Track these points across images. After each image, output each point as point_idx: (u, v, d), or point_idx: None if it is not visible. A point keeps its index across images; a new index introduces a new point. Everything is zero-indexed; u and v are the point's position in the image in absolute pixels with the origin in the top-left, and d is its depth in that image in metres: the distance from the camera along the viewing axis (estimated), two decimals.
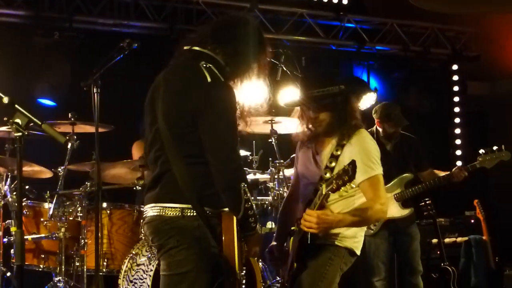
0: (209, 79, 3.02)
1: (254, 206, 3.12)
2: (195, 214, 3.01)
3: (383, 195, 3.58)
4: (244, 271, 3.34)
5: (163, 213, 3.05)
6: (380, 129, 5.82)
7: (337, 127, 3.64)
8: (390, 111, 5.83)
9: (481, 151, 5.66)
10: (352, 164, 3.18)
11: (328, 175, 3.51)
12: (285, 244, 3.84)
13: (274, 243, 3.92)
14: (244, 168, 5.87)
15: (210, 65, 3.07)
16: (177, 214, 3.02)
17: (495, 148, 5.62)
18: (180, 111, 3.04)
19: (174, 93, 3.09)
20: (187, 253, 3.01)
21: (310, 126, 3.73)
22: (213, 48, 3.16)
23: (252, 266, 5.00)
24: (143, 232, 5.05)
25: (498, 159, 5.63)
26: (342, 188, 3.21)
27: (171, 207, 3.04)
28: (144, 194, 3.24)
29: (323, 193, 3.30)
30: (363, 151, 3.52)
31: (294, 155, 4.04)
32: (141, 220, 5.37)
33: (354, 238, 3.68)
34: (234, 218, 3.06)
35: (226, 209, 3.07)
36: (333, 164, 3.57)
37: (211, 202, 3.05)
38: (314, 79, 3.85)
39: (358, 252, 3.73)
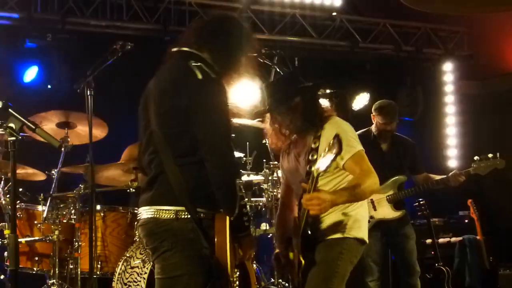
0: (199, 76, 3.02)
1: (248, 206, 3.12)
2: (188, 216, 3.00)
3: (371, 168, 3.63)
4: (237, 273, 3.33)
5: (157, 216, 3.04)
6: (374, 128, 5.83)
7: (310, 121, 3.71)
8: (383, 105, 5.86)
9: (476, 157, 5.60)
10: (336, 137, 3.29)
11: (313, 168, 3.55)
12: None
13: (277, 250, 3.93)
14: None
15: (200, 64, 3.08)
16: (171, 216, 3.01)
17: (490, 155, 5.56)
18: (172, 110, 3.03)
19: (165, 93, 3.09)
20: (180, 256, 3.00)
21: (283, 130, 3.80)
22: (199, 48, 3.17)
23: (247, 268, 4.99)
24: (137, 234, 5.04)
25: (493, 166, 5.57)
26: (332, 163, 3.30)
27: (165, 210, 3.02)
28: (140, 196, 3.23)
29: (315, 175, 3.37)
30: (339, 132, 3.51)
31: None
32: (135, 222, 5.39)
33: (360, 227, 3.74)
34: (227, 219, 3.05)
35: (221, 211, 3.06)
36: (315, 156, 3.63)
37: (204, 203, 3.03)
38: (278, 84, 4.02)
39: (367, 240, 3.79)
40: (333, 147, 3.29)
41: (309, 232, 3.59)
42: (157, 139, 3.07)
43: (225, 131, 3.05)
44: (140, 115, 3.24)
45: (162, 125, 3.06)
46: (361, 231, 3.75)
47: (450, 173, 5.66)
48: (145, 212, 3.11)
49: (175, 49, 3.24)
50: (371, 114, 5.88)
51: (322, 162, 3.34)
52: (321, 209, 3.36)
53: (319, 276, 3.60)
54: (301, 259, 3.61)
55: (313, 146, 3.67)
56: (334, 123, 3.70)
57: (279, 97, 3.77)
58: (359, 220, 3.74)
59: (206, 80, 3.03)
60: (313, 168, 3.42)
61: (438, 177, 5.77)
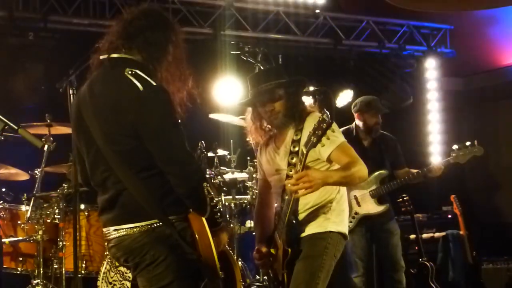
0: (140, 87, 2.89)
1: (218, 202, 3.10)
2: (163, 225, 2.94)
3: (358, 156, 3.65)
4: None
5: (132, 233, 2.96)
6: (361, 123, 5.86)
7: (292, 115, 3.76)
8: (369, 100, 5.91)
9: (454, 146, 5.71)
10: (324, 112, 3.30)
11: (294, 159, 3.64)
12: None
13: (257, 246, 3.94)
14: (222, 168, 5.95)
15: (136, 71, 2.95)
16: (147, 229, 2.94)
17: (468, 143, 5.67)
18: (119, 127, 2.92)
19: (107, 109, 2.94)
20: (165, 265, 2.95)
21: (264, 125, 3.88)
22: (127, 49, 3.05)
23: (232, 266, 5.00)
24: (109, 255, 4.90)
25: (471, 154, 5.67)
26: (323, 138, 3.29)
27: (138, 226, 2.95)
28: (99, 215, 3.14)
29: (304, 152, 3.38)
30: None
31: None
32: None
33: (342, 221, 3.79)
34: (203, 218, 3.02)
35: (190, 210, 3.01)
36: (296, 148, 3.67)
37: (174, 210, 2.97)
38: (263, 74, 4.04)
39: (348, 235, 3.83)
40: (321, 123, 3.29)
41: (294, 222, 3.61)
42: (108, 158, 2.95)
43: (178, 140, 2.93)
44: (76, 129, 3.11)
45: (112, 144, 2.94)
46: (344, 225, 3.80)
47: (431, 165, 5.73)
48: (115, 232, 3.01)
49: (103, 57, 3.08)
50: (355, 113, 5.91)
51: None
52: (312, 188, 3.32)
53: (305, 271, 3.63)
54: (287, 248, 3.63)
55: (294, 138, 3.71)
56: (317, 115, 3.70)
57: (261, 89, 3.79)
58: (341, 214, 3.79)
59: (148, 91, 2.89)
60: (301, 147, 3.44)
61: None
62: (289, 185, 3.37)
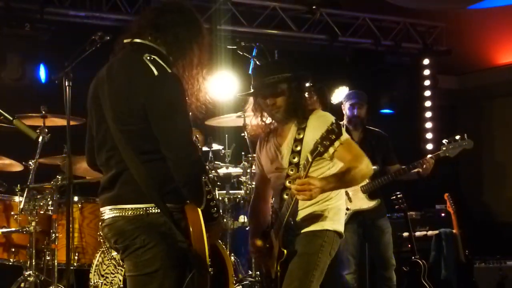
0: (155, 72, 2.94)
1: (215, 197, 3.09)
2: (159, 211, 2.94)
3: (361, 152, 3.60)
4: (210, 262, 3.33)
5: (126, 214, 2.96)
6: (345, 118, 5.90)
7: (294, 111, 3.71)
8: (350, 91, 6.03)
9: (444, 141, 5.73)
10: (335, 122, 3.24)
11: (296, 159, 3.60)
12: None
13: (251, 239, 3.93)
14: (216, 162, 5.95)
15: (154, 57, 3.00)
16: (141, 212, 2.95)
17: (457, 137, 5.68)
18: (130, 107, 2.95)
19: (121, 90, 3.00)
20: (154, 252, 2.94)
21: (265, 117, 3.83)
22: (153, 38, 3.09)
23: (224, 260, 5.01)
24: (102, 235, 4.91)
25: (461, 147, 5.68)
26: (330, 148, 3.25)
27: (134, 208, 2.95)
28: (98, 195, 3.15)
29: (310, 160, 3.31)
30: (325, 122, 3.45)
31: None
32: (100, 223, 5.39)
33: (339, 220, 3.76)
34: (199, 210, 3.01)
35: (188, 202, 3.01)
36: (299, 147, 3.63)
37: (173, 198, 2.97)
38: (267, 67, 3.97)
39: (343, 233, 3.80)
40: (330, 133, 3.23)
41: (292, 223, 3.60)
42: (116, 136, 2.97)
43: (183, 127, 2.96)
44: (91, 108, 3.15)
45: (120, 123, 2.96)
46: (340, 224, 3.77)
47: (421, 159, 5.74)
48: (110, 212, 3.02)
49: (127, 40, 3.13)
50: (341, 106, 5.97)
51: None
52: (312, 195, 3.31)
53: (300, 268, 3.60)
54: (283, 249, 3.61)
55: (297, 137, 3.67)
56: (321, 115, 3.70)
57: (264, 82, 3.76)
58: (338, 213, 3.76)
59: (162, 76, 2.94)
60: (307, 153, 3.37)
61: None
62: (294, 189, 3.33)
